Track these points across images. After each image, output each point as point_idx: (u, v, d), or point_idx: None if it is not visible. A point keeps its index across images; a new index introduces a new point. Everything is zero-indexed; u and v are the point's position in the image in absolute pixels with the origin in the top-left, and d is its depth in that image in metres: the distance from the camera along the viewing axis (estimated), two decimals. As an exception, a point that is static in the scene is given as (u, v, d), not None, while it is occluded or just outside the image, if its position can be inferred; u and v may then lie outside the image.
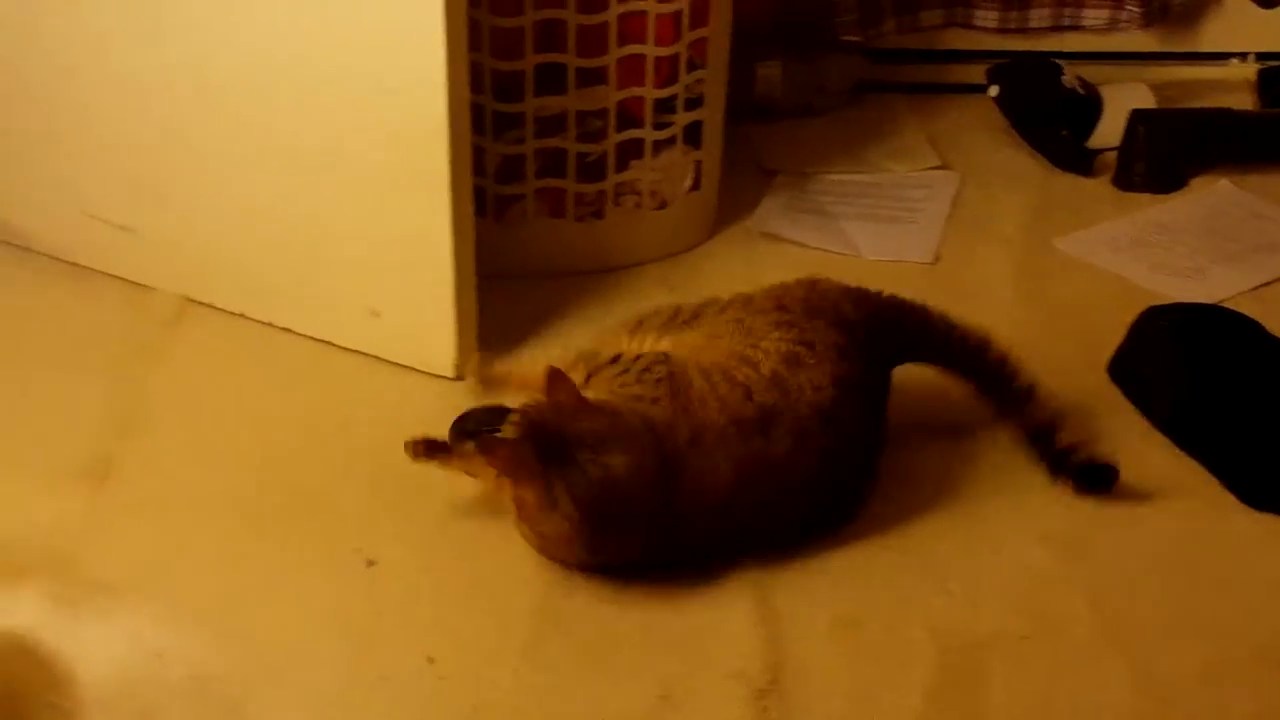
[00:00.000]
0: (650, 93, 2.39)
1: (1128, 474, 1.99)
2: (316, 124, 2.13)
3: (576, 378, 1.93)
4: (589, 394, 1.88)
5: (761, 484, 1.84)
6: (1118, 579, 1.86)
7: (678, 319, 2.05)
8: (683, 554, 1.84)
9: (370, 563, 1.87)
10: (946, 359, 2.09)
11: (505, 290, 2.28)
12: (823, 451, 1.86)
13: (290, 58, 2.10)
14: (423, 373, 2.19)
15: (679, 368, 1.91)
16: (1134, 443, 2.07)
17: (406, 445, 1.92)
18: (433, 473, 1.96)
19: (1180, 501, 1.98)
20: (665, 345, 1.98)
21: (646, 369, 1.92)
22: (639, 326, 2.04)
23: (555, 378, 1.84)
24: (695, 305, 2.08)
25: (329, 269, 2.22)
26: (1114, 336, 2.21)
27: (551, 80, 2.33)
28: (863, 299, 2.06)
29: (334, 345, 2.25)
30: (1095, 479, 1.98)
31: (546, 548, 1.86)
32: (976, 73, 2.93)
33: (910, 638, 1.78)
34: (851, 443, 1.91)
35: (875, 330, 2.02)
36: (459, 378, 2.17)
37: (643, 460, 1.79)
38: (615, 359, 1.95)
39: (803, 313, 1.98)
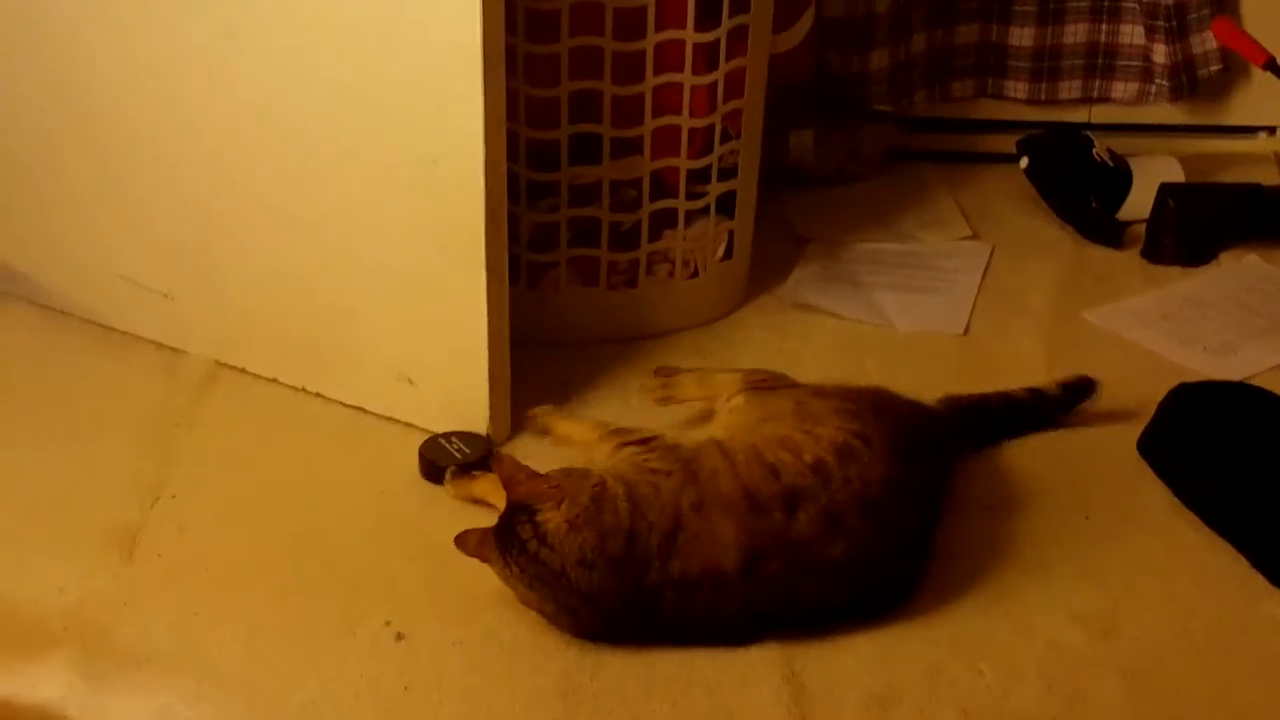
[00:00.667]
0: (685, 163, 2.40)
1: (1158, 552, 2.00)
2: (353, 191, 2.14)
3: (605, 447, 1.96)
4: (608, 464, 1.92)
5: (779, 561, 1.83)
6: (1149, 660, 1.85)
7: (753, 385, 2.10)
8: (695, 626, 1.84)
9: (400, 636, 1.86)
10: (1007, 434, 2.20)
11: (538, 357, 2.29)
12: (861, 541, 1.85)
13: (328, 125, 2.12)
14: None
15: (696, 451, 1.92)
16: (1164, 520, 2.07)
17: (457, 541, 1.89)
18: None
19: (1212, 581, 1.96)
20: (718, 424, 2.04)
21: (669, 448, 1.93)
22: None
23: (495, 459, 1.93)
24: (776, 376, 2.14)
25: (362, 335, 2.23)
26: (1144, 411, 2.21)
27: (586, 150, 2.34)
28: (933, 414, 2.12)
29: (367, 411, 2.26)
30: (1077, 393, 2.21)
31: (554, 620, 1.87)
32: (1007, 143, 2.94)
33: (942, 718, 1.76)
34: (898, 539, 1.91)
35: (939, 438, 2.08)
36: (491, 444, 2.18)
37: (589, 514, 1.80)
38: (647, 440, 1.96)
39: (869, 407, 2.00)
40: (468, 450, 2.12)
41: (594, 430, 2.06)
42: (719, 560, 1.81)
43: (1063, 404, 2.24)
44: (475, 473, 2.08)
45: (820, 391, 2.05)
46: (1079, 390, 2.24)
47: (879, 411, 1.99)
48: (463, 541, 1.87)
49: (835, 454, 1.89)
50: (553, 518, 1.81)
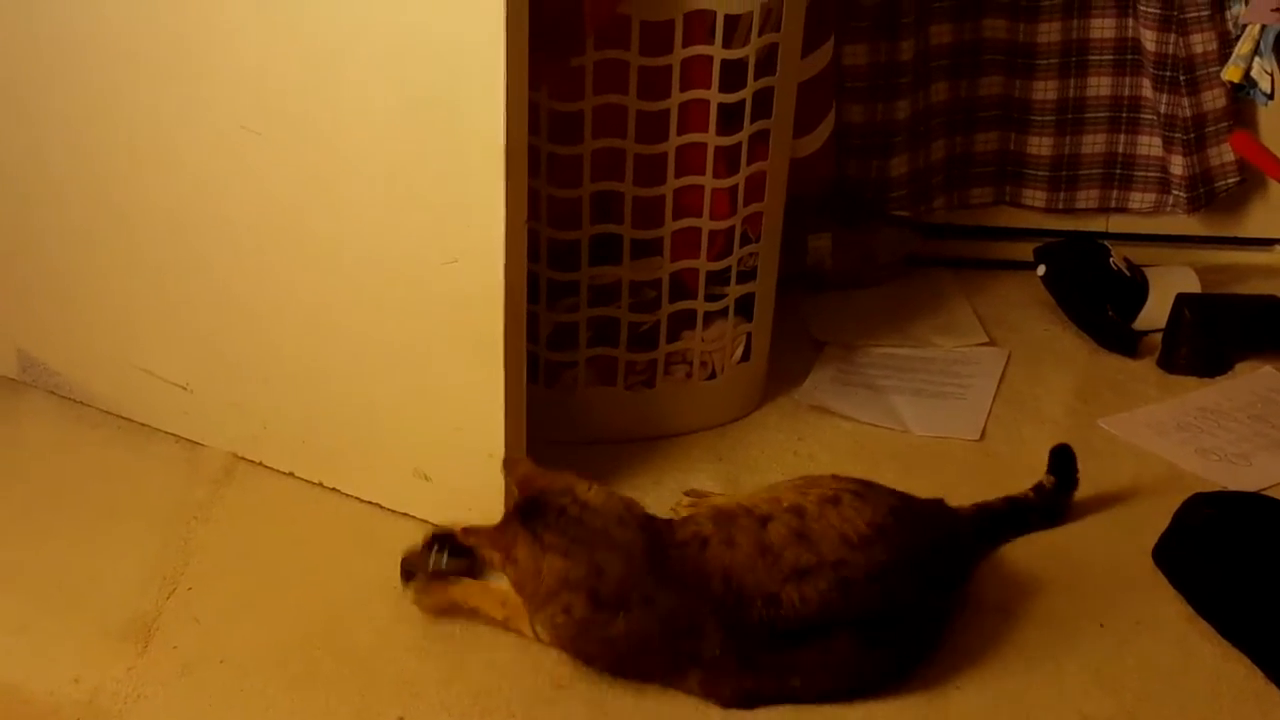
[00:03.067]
0: (704, 265, 2.41)
1: (1172, 661, 2.00)
2: (373, 287, 2.16)
3: None
4: None
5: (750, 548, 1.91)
6: (1161, 770, 1.85)
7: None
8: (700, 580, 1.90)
9: (414, 730, 1.87)
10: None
11: (555, 456, 2.26)
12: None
13: (350, 222, 2.14)
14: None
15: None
16: (1179, 628, 2.07)
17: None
18: (478, 638, 1.97)
19: (1225, 692, 1.96)
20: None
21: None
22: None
23: (509, 464, 2.06)
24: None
25: (379, 431, 2.24)
26: (1159, 520, 2.20)
27: (607, 250, 2.36)
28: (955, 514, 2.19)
29: (382, 507, 2.26)
30: (1061, 465, 2.27)
31: (559, 634, 1.93)
32: (1025, 250, 2.95)
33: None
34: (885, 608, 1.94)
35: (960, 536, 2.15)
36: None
37: (621, 503, 1.97)
38: None
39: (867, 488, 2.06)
40: (446, 563, 2.09)
41: None
42: (702, 530, 1.95)
43: (1059, 492, 2.28)
44: (453, 579, 2.08)
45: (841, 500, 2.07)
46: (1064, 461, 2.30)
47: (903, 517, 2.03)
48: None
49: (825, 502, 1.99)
50: (592, 492, 1.96)
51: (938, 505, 2.13)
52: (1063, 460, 2.28)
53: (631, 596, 1.88)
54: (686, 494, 2.29)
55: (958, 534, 2.13)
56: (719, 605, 1.87)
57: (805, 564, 1.89)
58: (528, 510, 1.93)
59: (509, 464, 2.06)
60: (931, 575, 2.00)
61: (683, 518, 2.06)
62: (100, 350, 2.44)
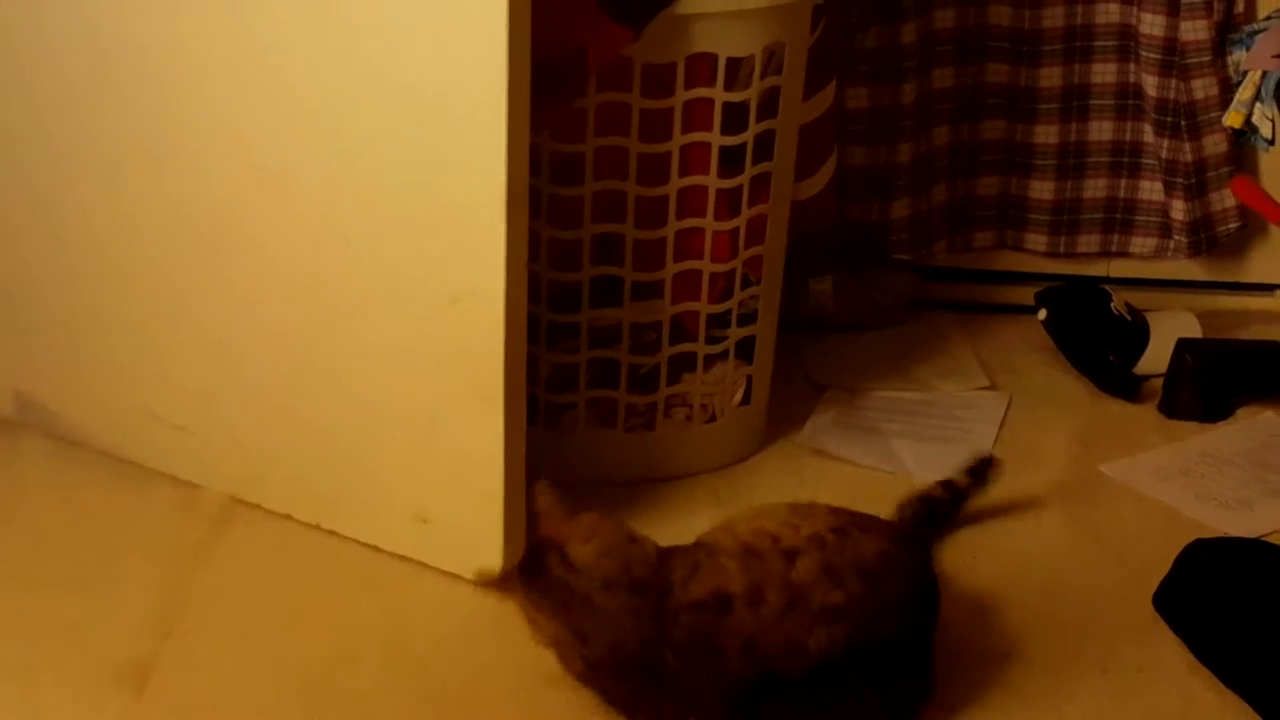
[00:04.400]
0: (705, 307, 2.41)
1: (1174, 709, 1.99)
2: (372, 329, 2.15)
3: None
4: None
5: (784, 596, 1.85)
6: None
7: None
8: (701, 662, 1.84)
9: (413, 778, 1.86)
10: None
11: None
12: (860, 601, 1.87)
13: (349, 263, 2.14)
14: (469, 580, 2.19)
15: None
16: (1180, 676, 2.05)
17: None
18: (480, 683, 1.97)
19: (1226, 741, 1.96)
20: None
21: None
22: None
23: (539, 492, 1.98)
24: None
25: (378, 473, 2.23)
26: (1160, 566, 2.19)
27: (607, 292, 2.36)
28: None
29: (380, 550, 2.25)
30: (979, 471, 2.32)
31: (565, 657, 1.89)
32: (1026, 294, 2.94)
33: None
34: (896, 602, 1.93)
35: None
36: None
37: (619, 545, 1.88)
38: None
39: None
40: None
41: None
42: (725, 587, 1.84)
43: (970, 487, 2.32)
44: None
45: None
46: (980, 471, 2.34)
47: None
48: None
49: (832, 532, 1.94)
50: (584, 551, 1.85)
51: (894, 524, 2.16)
52: (981, 469, 2.33)
53: (627, 663, 1.85)
54: None
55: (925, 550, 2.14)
56: (735, 681, 1.83)
57: (834, 603, 1.85)
58: (526, 563, 1.89)
59: (537, 490, 2.01)
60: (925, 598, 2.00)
61: (705, 560, 1.91)
62: (97, 391, 2.44)
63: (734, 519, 2.03)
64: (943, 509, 2.28)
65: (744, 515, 2.03)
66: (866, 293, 2.96)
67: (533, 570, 1.87)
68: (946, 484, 2.31)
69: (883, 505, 2.38)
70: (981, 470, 2.33)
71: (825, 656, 1.83)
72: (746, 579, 1.85)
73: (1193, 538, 2.23)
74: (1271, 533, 2.36)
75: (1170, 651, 2.10)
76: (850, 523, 1.97)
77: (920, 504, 2.25)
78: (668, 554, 1.90)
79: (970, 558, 2.27)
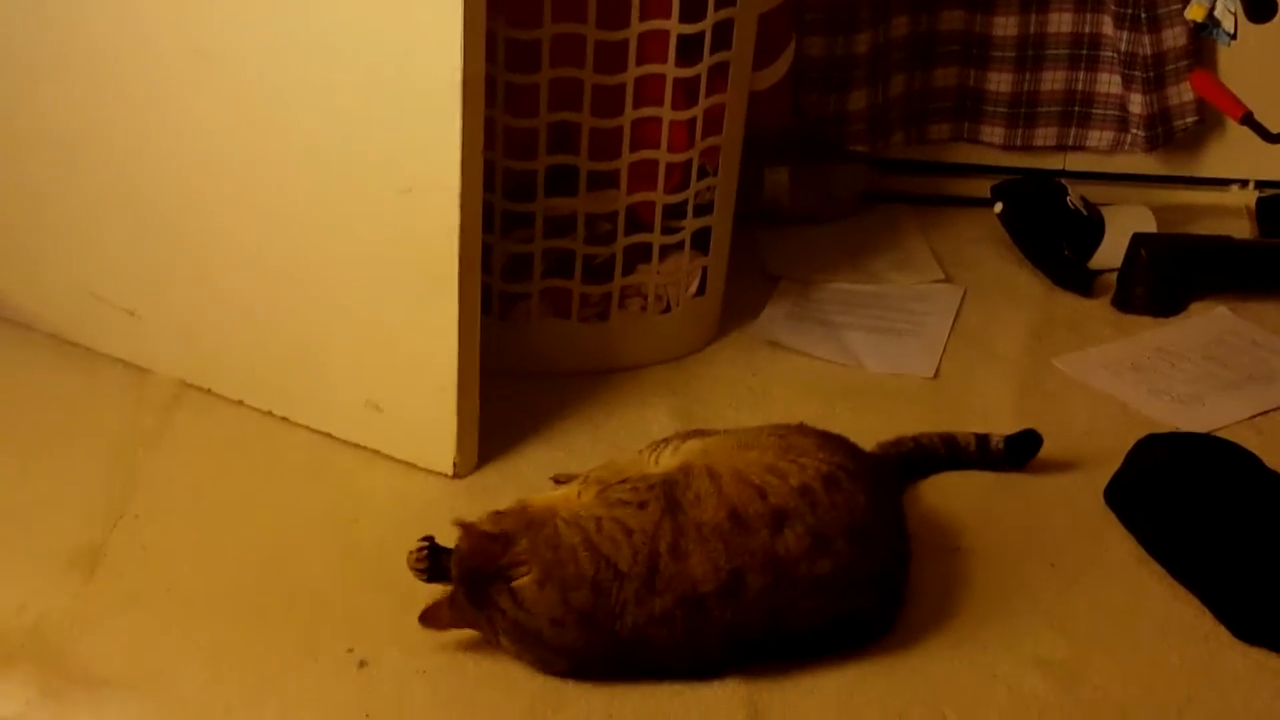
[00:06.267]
0: (660, 198, 2.40)
1: (1123, 601, 2.00)
2: (326, 217, 2.14)
3: (589, 492, 1.90)
4: (588, 507, 1.87)
5: (764, 578, 1.82)
6: (1112, 709, 1.85)
7: (702, 432, 2.08)
8: (675, 655, 1.83)
9: (363, 663, 1.85)
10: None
11: (507, 388, 2.28)
12: (848, 563, 1.86)
13: (302, 151, 2.12)
14: (422, 469, 2.19)
15: (680, 473, 1.91)
16: (1130, 569, 2.07)
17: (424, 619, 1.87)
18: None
19: (1175, 632, 1.96)
20: (682, 455, 1.98)
21: (642, 478, 1.92)
22: (663, 444, 2.05)
23: (466, 533, 1.83)
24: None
25: (331, 361, 2.23)
26: (1111, 461, 2.20)
27: (562, 182, 2.34)
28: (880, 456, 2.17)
29: (333, 437, 2.25)
30: (1023, 447, 2.22)
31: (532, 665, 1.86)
32: (982, 187, 2.94)
33: (904, 764, 1.77)
34: (880, 565, 1.92)
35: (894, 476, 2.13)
36: (458, 475, 2.17)
37: (551, 567, 1.79)
38: (625, 480, 1.92)
39: (844, 445, 2.01)
40: None
41: (574, 488, 1.96)
42: (698, 588, 1.80)
43: (1007, 459, 2.24)
44: None
45: (798, 427, 2.05)
46: (1024, 447, 2.24)
47: (853, 451, 2.01)
48: (433, 619, 1.85)
49: (821, 481, 1.89)
50: (525, 582, 1.79)
51: (876, 456, 2.14)
52: (1025, 445, 2.25)
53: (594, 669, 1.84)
54: (553, 478, 2.17)
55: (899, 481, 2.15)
56: (715, 662, 1.85)
57: (820, 572, 1.84)
58: (473, 595, 1.81)
59: (463, 531, 1.84)
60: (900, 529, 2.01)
61: (669, 566, 1.82)
62: (46, 274, 2.42)
63: (713, 446, 1.99)
64: (939, 459, 2.24)
65: (725, 444, 2.00)
66: (822, 185, 2.95)
67: (479, 601, 1.81)
68: (981, 438, 2.25)
69: (835, 397, 2.41)
70: (1025, 445, 2.25)
71: (811, 626, 1.85)
72: (727, 569, 1.82)
73: (1144, 433, 2.24)
74: (1222, 428, 2.37)
75: (1120, 545, 2.11)
76: (839, 466, 1.94)
77: (915, 447, 2.23)
78: (608, 540, 1.82)
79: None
